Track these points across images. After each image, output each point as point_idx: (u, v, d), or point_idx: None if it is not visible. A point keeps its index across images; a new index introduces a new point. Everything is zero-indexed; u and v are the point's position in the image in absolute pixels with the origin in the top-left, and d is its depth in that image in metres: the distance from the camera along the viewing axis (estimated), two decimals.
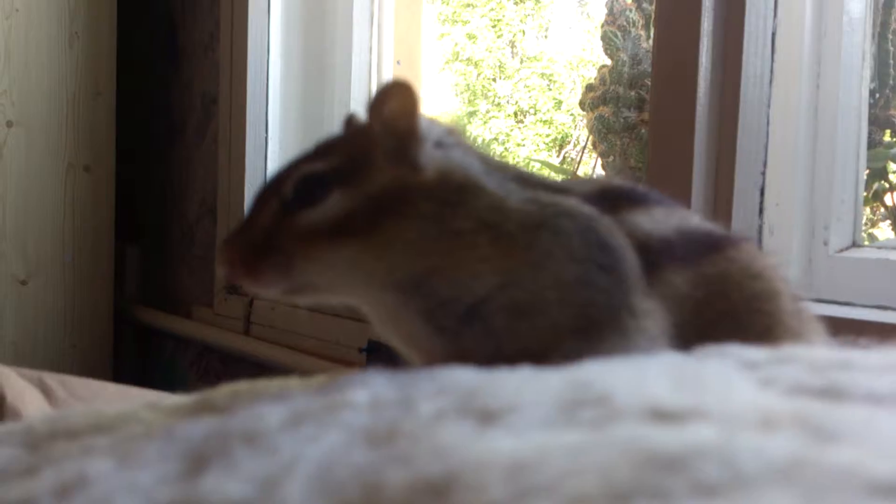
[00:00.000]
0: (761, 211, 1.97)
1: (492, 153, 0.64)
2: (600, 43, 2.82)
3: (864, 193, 2.82)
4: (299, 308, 2.94)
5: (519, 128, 6.44)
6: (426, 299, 0.58)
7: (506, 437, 0.33)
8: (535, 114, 6.37)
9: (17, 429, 0.53)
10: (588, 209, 0.60)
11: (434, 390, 0.41)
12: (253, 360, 2.98)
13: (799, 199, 1.93)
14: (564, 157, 5.35)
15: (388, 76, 2.53)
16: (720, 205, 1.91)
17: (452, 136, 0.62)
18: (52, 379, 0.91)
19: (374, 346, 2.67)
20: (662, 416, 0.33)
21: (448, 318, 0.58)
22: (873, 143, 2.40)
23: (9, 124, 2.69)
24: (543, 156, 6.09)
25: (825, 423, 0.31)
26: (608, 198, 0.64)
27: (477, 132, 6.35)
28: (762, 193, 1.97)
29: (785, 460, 0.28)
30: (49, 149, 2.75)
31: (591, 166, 3.27)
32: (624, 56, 2.72)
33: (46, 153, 2.75)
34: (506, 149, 6.17)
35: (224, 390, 0.55)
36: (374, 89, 2.60)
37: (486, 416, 0.36)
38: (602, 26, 2.80)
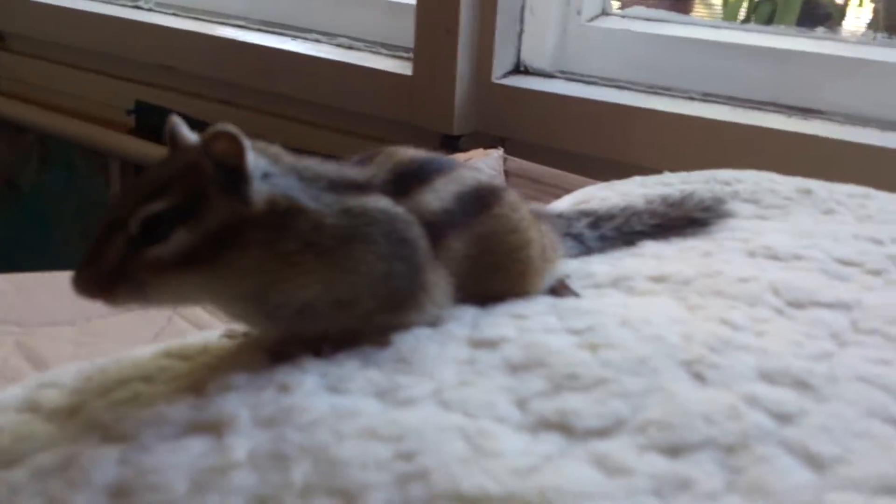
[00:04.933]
0: None
1: (306, 163, 0.74)
2: None
3: None
4: (58, 63, 2.78)
5: None
6: (264, 305, 0.71)
7: None
8: None
9: None
10: (388, 207, 0.74)
11: (310, 462, 0.57)
12: (3, 121, 2.84)
13: None
14: None
15: None
16: None
17: (276, 165, 0.71)
18: None
19: (143, 107, 2.63)
20: None
21: (283, 315, 0.71)
22: None
23: None
24: None
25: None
26: (400, 182, 0.77)
27: None
28: None
29: None
30: None
31: None
32: None
33: None
34: None
35: (106, 400, 0.67)
36: None
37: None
38: None
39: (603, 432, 0.59)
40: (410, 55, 2.18)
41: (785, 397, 0.63)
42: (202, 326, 1.18)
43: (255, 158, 0.69)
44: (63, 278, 1.21)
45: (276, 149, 0.73)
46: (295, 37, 2.48)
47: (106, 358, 0.76)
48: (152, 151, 2.59)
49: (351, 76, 2.27)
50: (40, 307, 1.09)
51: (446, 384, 0.64)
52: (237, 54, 2.49)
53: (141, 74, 2.64)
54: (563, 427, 0.59)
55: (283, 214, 0.69)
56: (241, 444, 0.59)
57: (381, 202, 0.74)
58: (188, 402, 0.65)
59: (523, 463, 0.55)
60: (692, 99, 1.93)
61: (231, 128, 0.67)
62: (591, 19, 2.15)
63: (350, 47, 2.38)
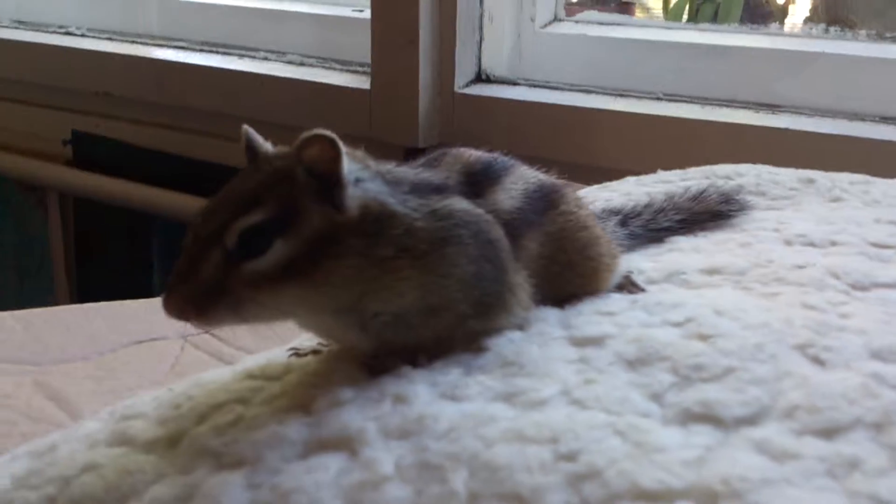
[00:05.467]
0: (482, 1, 2.09)
1: (386, 166, 0.72)
2: None
3: None
4: None
5: None
6: (360, 315, 0.67)
7: None
8: None
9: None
10: (471, 208, 0.72)
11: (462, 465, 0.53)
12: None
13: None
14: None
15: None
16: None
17: (366, 170, 0.68)
18: None
19: (81, 137, 2.51)
20: None
21: (377, 325, 0.68)
22: None
23: None
24: None
25: None
26: (473, 182, 0.75)
27: None
28: None
29: None
30: None
31: None
32: None
33: None
34: None
35: (206, 425, 0.62)
36: None
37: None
38: None
39: (752, 420, 0.57)
40: (366, 69, 2.15)
41: None
42: (214, 355, 1.13)
43: (350, 165, 0.66)
44: (70, 313, 1.15)
45: (361, 153, 0.70)
46: (242, 56, 2.42)
47: (182, 384, 0.71)
48: (92, 182, 2.49)
49: (306, 93, 2.22)
50: (51, 344, 1.02)
51: (571, 384, 0.62)
52: (180, 76, 2.41)
53: (76, 103, 2.53)
54: (711, 418, 0.57)
55: (375, 220, 0.67)
56: (383, 458, 0.55)
57: (462, 203, 0.72)
58: (300, 420, 0.61)
59: (689, 455, 0.53)
60: (658, 99, 1.95)
61: (327, 132, 0.64)
62: (545, 25, 2.16)
63: (301, 64, 2.33)
